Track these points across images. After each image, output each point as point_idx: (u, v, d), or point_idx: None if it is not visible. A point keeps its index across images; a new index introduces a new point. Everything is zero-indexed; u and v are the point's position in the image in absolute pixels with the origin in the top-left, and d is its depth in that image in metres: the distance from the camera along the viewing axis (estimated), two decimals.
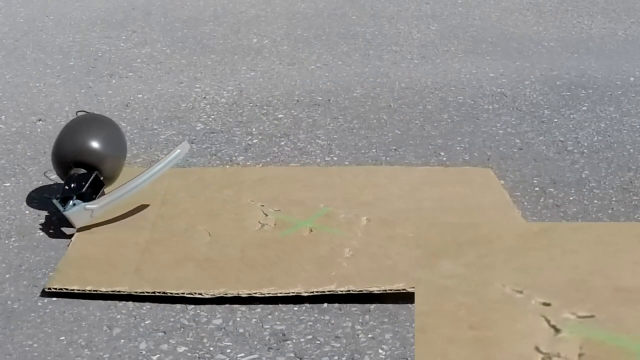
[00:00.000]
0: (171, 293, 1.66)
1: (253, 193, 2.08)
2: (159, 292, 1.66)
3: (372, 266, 1.74)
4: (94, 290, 1.67)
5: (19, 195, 2.10)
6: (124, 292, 1.67)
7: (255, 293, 1.65)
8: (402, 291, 1.65)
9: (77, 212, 1.87)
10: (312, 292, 1.66)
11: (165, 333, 1.58)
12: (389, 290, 1.65)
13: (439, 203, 2.02)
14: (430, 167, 2.26)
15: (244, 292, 1.66)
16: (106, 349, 1.53)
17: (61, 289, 1.68)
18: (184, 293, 1.66)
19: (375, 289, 1.66)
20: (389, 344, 1.55)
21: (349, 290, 1.66)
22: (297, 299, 1.66)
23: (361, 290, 1.65)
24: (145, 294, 1.66)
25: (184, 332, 1.58)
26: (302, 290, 1.66)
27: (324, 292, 1.66)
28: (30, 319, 1.62)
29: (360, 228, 1.91)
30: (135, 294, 1.66)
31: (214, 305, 1.65)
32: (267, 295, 1.65)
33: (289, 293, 1.66)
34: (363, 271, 1.72)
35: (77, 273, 1.73)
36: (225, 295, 1.65)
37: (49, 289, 1.68)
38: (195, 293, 1.66)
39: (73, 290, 1.68)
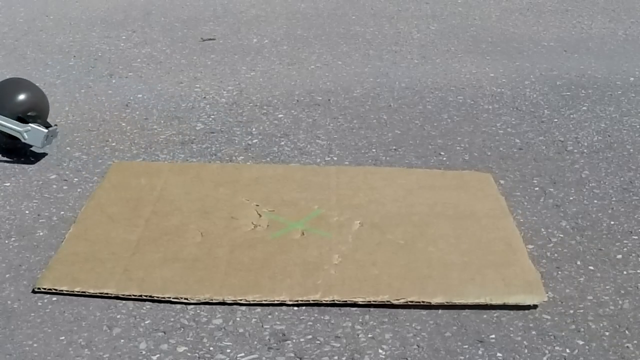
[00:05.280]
0: (157, 297, 1.66)
1: (248, 192, 2.07)
2: (145, 296, 1.66)
3: (359, 275, 1.73)
4: (82, 292, 1.67)
5: (19, 195, 2.10)
6: (111, 294, 1.67)
7: (240, 300, 1.66)
8: (386, 303, 1.65)
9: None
10: (297, 300, 1.66)
11: (165, 333, 1.57)
12: (374, 301, 1.65)
13: (432, 209, 2.01)
14: (428, 170, 2.25)
15: (229, 299, 1.66)
16: (106, 349, 1.53)
17: (50, 289, 1.68)
18: (169, 297, 1.66)
19: (359, 299, 1.66)
20: (389, 344, 1.55)
21: (333, 300, 1.66)
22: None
23: (345, 301, 1.65)
24: (132, 297, 1.66)
25: (184, 332, 1.58)
26: (286, 298, 1.66)
27: (309, 301, 1.66)
28: (30, 319, 1.61)
29: (352, 232, 1.90)
30: (122, 296, 1.67)
31: (214, 305, 1.65)
32: (251, 302, 1.65)
33: (273, 301, 1.66)
34: (349, 280, 1.72)
35: (68, 271, 1.73)
36: (210, 301, 1.66)
37: (39, 288, 1.68)
38: (181, 298, 1.66)
39: (62, 290, 1.68)
